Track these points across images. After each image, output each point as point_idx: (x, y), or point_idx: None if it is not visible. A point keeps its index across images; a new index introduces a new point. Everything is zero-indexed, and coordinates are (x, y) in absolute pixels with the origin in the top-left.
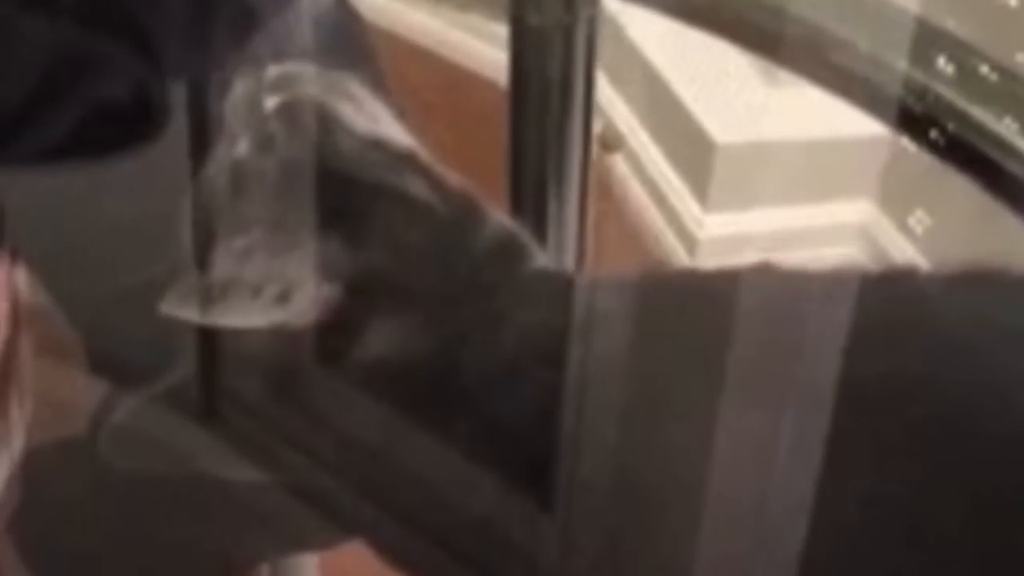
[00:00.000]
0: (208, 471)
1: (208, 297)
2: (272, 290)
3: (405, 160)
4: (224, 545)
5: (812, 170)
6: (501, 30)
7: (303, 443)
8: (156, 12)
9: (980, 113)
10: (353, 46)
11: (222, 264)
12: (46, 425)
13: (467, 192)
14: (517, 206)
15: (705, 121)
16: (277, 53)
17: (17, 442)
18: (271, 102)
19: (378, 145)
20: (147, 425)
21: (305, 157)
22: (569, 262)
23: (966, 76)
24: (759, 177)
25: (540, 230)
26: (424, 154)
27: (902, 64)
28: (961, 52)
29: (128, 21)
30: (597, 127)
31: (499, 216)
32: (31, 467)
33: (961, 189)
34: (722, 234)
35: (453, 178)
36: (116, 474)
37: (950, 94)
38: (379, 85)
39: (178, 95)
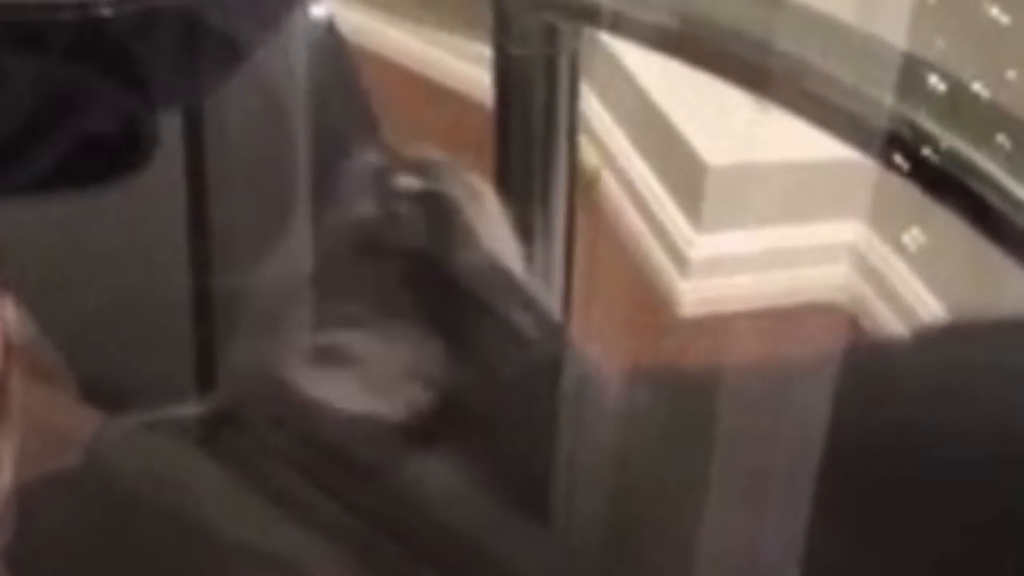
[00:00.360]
0: (205, 502)
1: (308, 358)
2: (372, 375)
3: (516, 288)
4: None
5: (803, 190)
6: (485, 50)
7: (310, 475)
8: (144, 45)
9: (964, 147)
10: (339, 71)
11: (328, 329)
12: (40, 456)
13: (561, 324)
14: None
15: (696, 142)
16: (265, 81)
17: (6, 475)
18: (407, 184)
19: (496, 267)
20: (143, 453)
21: (431, 253)
22: (557, 286)
23: (951, 109)
24: (750, 198)
25: (527, 255)
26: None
27: (887, 97)
28: (947, 85)
29: (116, 55)
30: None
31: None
32: (24, 499)
33: None
34: (714, 254)
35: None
36: (111, 506)
37: (934, 127)
38: (365, 109)
39: (166, 125)
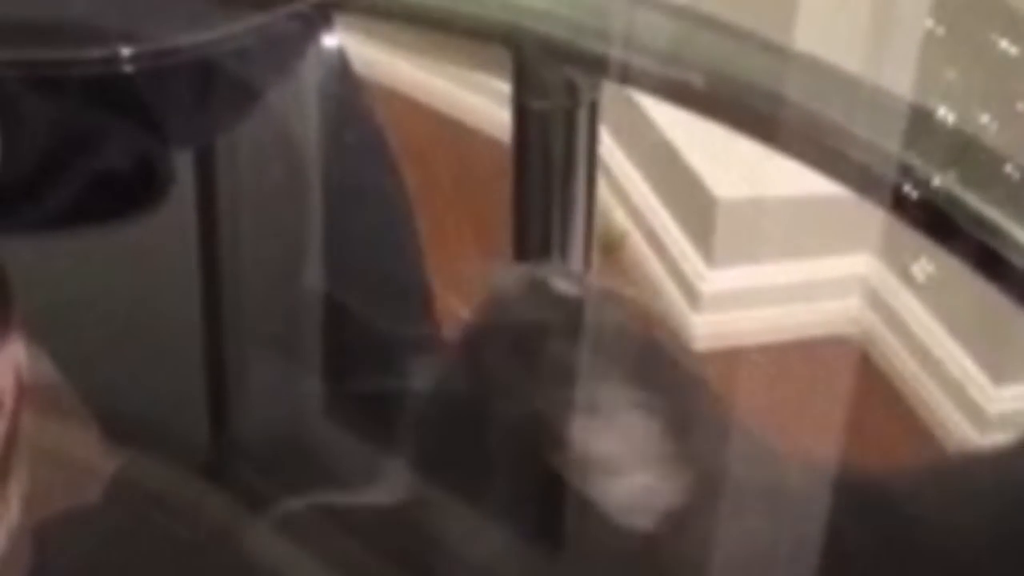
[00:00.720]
0: (222, 538)
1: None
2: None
3: None
4: None
5: (813, 224)
6: (503, 86)
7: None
8: (158, 87)
9: (974, 200)
10: (353, 109)
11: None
12: (58, 493)
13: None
14: None
15: (706, 177)
16: (280, 121)
17: (14, 513)
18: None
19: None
20: (160, 489)
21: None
22: None
23: (961, 162)
24: (761, 232)
25: None
26: None
27: (894, 147)
28: (956, 139)
29: (131, 96)
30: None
31: None
32: (42, 536)
33: None
34: (725, 288)
35: None
36: (129, 542)
37: (944, 179)
38: (382, 146)
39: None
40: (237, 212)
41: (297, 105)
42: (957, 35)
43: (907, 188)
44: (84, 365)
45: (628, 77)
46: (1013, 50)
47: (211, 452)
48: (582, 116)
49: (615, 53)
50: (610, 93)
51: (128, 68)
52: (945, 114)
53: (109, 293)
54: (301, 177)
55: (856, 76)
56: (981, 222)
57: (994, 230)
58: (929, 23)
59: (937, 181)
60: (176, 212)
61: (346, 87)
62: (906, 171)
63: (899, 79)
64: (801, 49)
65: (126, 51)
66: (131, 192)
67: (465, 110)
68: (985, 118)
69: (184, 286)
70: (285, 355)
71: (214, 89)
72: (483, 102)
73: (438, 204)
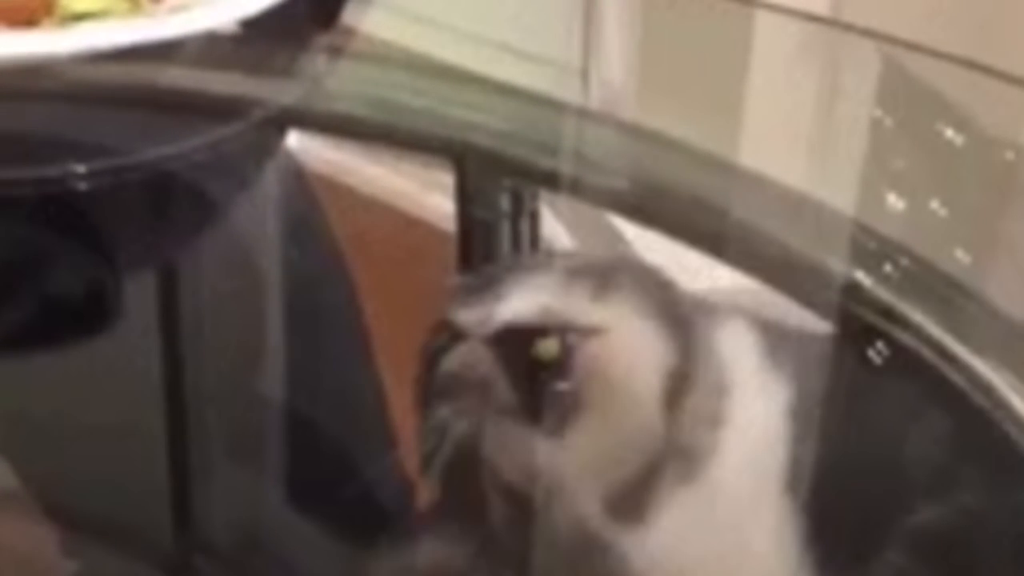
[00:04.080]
0: None
1: None
2: None
3: None
4: None
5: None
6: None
7: None
8: (108, 211)
9: (920, 317)
10: (310, 224)
11: None
12: None
13: None
14: None
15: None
16: (239, 239)
17: None
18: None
19: None
20: None
21: None
22: None
23: (903, 280)
24: None
25: None
26: None
27: (836, 264)
28: (898, 255)
29: (80, 221)
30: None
31: None
32: None
33: None
34: None
35: None
36: None
37: (888, 297)
38: (338, 260)
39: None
40: (199, 324)
41: (255, 220)
42: (906, 125)
43: (850, 306)
44: (49, 471)
45: (569, 188)
46: (959, 140)
47: (175, 551)
48: (524, 224)
49: (557, 165)
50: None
51: (82, 185)
52: (895, 201)
53: (74, 402)
54: (259, 291)
55: (800, 191)
56: (924, 339)
57: (938, 348)
58: (878, 113)
59: (879, 297)
60: (140, 324)
61: (303, 200)
62: (847, 287)
63: (843, 192)
64: (746, 164)
65: (80, 168)
66: (80, 318)
67: (420, 204)
68: (935, 203)
69: (149, 395)
70: (247, 459)
71: (171, 206)
72: (439, 198)
73: (394, 299)
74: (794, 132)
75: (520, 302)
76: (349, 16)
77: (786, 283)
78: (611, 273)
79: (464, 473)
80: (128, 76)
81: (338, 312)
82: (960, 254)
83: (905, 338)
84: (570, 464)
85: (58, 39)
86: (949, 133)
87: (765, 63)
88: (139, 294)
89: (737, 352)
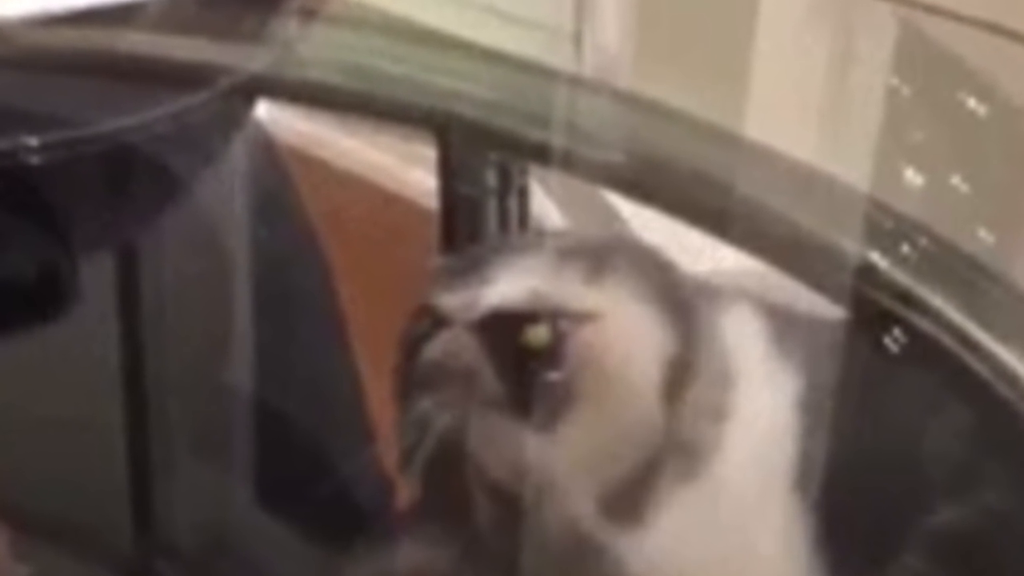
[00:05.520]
0: None
1: None
2: None
3: None
4: None
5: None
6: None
7: None
8: (62, 188)
9: (940, 302)
10: (281, 201)
11: None
12: None
13: None
14: None
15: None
16: (204, 217)
17: None
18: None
19: None
20: None
21: None
22: None
23: (922, 261)
24: None
25: None
26: None
27: (848, 244)
28: (916, 235)
29: (32, 198)
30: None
31: None
32: None
33: None
34: None
35: None
36: None
37: (905, 279)
38: (311, 239)
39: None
40: (160, 309)
41: (221, 197)
42: (925, 94)
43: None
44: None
45: (563, 163)
46: (981, 110)
47: (135, 554)
48: (512, 202)
49: (547, 138)
50: None
51: (35, 159)
52: (913, 176)
53: (26, 394)
54: (226, 273)
55: (810, 165)
56: (941, 323)
57: (953, 329)
58: (894, 81)
59: (894, 279)
60: (98, 309)
61: (273, 175)
62: (861, 268)
63: (857, 167)
64: (752, 136)
65: (32, 141)
66: (32, 302)
67: (399, 180)
68: (956, 179)
69: (107, 385)
70: (212, 455)
71: (131, 181)
72: (419, 173)
73: (372, 282)
74: (804, 101)
75: (508, 285)
76: None
77: (795, 265)
78: (606, 254)
79: (447, 470)
80: (84, 41)
81: (311, 296)
82: (983, 233)
83: (924, 324)
84: (562, 460)
85: (8, 1)
86: (971, 102)
87: (773, 27)
88: (96, 277)
89: (742, 339)
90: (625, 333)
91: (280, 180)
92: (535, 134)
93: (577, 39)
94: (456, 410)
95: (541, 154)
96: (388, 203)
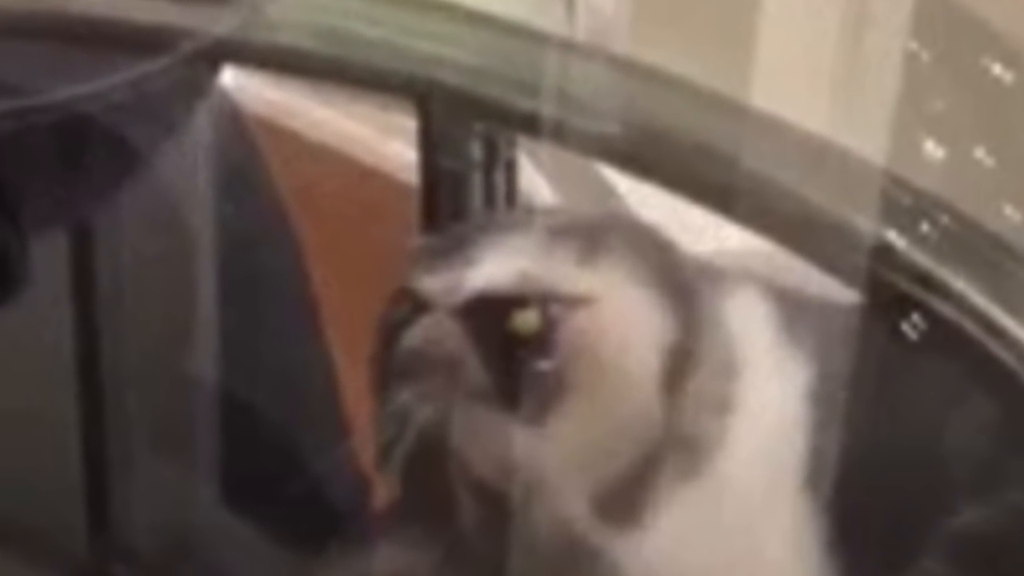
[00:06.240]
0: None
1: None
2: None
3: None
4: None
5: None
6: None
7: None
8: (11, 161)
9: (963, 285)
10: (249, 177)
11: None
12: None
13: None
14: None
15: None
16: (165, 194)
17: None
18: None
19: None
20: None
21: None
22: None
23: (943, 241)
24: None
25: None
26: None
27: (868, 224)
28: (937, 212)
29: None
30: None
31: None
32: None
33: None
34: None
35: None
36: None
37: (925, 260)
38: (280, 216)
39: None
40: (118, 293)
41: (184, 171)
42: (946, 60)
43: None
44: None
45: (554, 134)
46: (1008, 77)
47: (90, 558)
48: (499, 176)
49: (537, 107)
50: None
51: None
52: (934, 148)
53: None
54: (189, 254)
55: (822, 137)
56: (961, 305)
57: (975, 314)
58: (913, 46)
59: (913, 260)
60: (50, 293)
61: (240, 148)
62: (877, 248)
63: (872, 138)
64: (759, 105)
65: None
66: None
67: (384, 157)
68: (980, 151)
69: (60, 375)
70: (174, 451)
71: (86, 154)
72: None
73: (347, 264)
74: (815, 67)
75: (494, 267)
76: None
77: (806, 244)
78: (601, 233)
79: (428, 467)
80: (34, 2)
81: (281, 279)
82: (1009, 210)
83: (945, 309)
84: (553, 457)
85: None
86: (996, 69)
87: None
88: (48, 258)
89: (748, 325)
90: (621, 318)
91: (247, 153)
92: (524, 103)
93: (569, 0)
94: (438, 402)
95: (530, 125)
96: (364, 178)
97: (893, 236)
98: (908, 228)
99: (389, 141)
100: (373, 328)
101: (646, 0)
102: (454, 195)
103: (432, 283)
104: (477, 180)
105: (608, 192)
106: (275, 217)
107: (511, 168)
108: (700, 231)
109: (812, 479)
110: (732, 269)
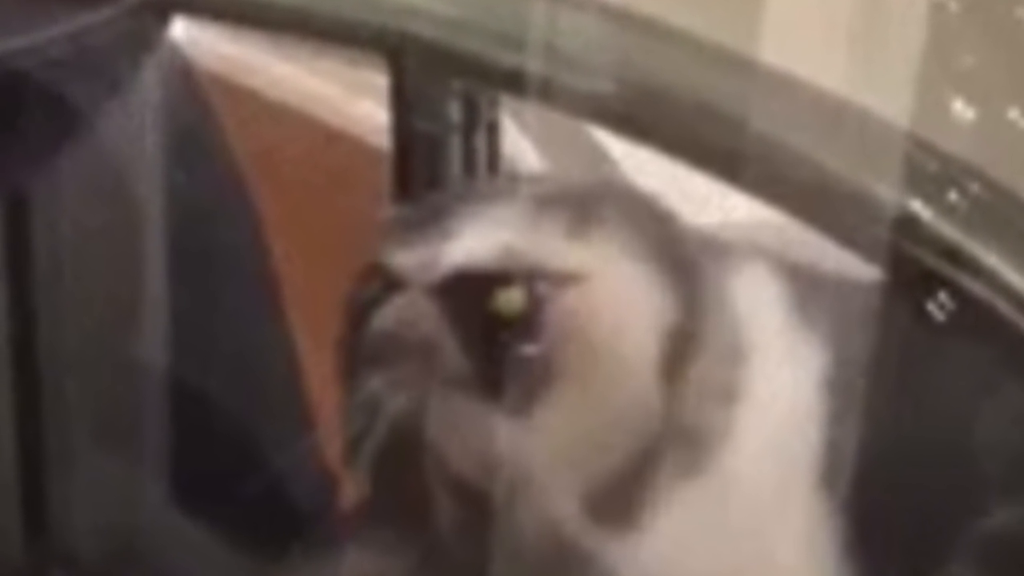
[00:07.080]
0: None
1: None
2: None
3: None
4: None
5: None
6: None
7: None
8: None
9: (994, 260)
10: (202, 141)
11: None
12: None
13: None
14: None
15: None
16: (109, 158)
17: None
18: None
19: None
20: None
21: None
22: None
23: (972, 212)
24: None
25: None
26: None
27: (890, 193)
28: (965, 180)
29: None
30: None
31: None
32: None
33: None
34: None
35: None
36: None
37: (953, 233)
38: (234, 181)
39: None
40: (57, 269)
41: (130, 134)
42: (976, 9)
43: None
44: None
45: (540, 93)
46: None
47: (26, 563)
48: (480, 139)
49: (521, 63)
50: None
51: None
52: (962, 109)
53: None
54: (136, 226)
55: (839, 96)
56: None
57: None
58: None
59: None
60: None
61: (192, 108)
62: (898, 218)
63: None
64: (768, 61)
65: None
66: None
67: (352, 118)
68: (1013, 112)
69: None
70: (119, 445)
71: (22, 115)
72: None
73: (311, 237)
74: (830, 19)
75: (475, 241)
76: None
77: (821, 215)
78: (593, 203)
79: (402, 463)
80: None
81: (238, 254)
82: None
83: (976, 287)
84: (540, 451)
85: None
86: None
87: None
88: None
89: (757, 305)
90: (615, 297)
91: (200, 114)
92: (507, 58)
93: None
94: (412, 391)
95: (514, 82)
96: (330, 141)
97: (918, 206)
98: (934, 197)
99: (358, 101)
100: (340, 308)
101: None
102: (430, 161)
103: (406, 258)
104: (455, 144)
105: (601, 157)
106: (231, 185)
107: (493, 131)
108: (703, 201)
109: (828, 476)
110: (739, 243)
